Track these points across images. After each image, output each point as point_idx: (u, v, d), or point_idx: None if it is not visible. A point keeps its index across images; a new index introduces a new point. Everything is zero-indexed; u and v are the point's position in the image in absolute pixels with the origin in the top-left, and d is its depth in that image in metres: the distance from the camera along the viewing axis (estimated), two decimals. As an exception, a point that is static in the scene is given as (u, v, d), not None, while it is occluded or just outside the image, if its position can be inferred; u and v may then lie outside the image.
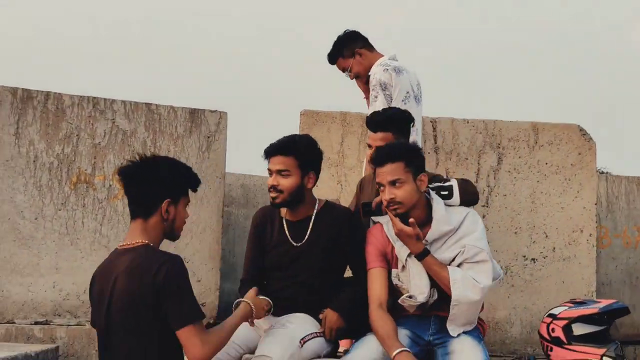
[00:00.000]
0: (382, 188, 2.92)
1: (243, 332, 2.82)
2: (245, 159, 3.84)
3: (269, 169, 3.04)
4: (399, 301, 2.88)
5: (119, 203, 4.53)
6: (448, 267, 2.86)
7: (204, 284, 4.65)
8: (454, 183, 3.06)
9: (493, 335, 4.16)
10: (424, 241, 2.88)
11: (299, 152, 3.00)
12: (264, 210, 3.26)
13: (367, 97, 4.02)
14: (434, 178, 3.19)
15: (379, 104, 3.76)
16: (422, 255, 2.86)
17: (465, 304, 2.81)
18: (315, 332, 2.91)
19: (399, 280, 2.94)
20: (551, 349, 3.18)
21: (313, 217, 3.08)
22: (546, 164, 4.31)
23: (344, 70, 4.06)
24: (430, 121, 4.37)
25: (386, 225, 3.02)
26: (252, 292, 2.84)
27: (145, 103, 4.73)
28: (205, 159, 4.76)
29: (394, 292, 2.96)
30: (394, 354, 2.68)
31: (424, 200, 2.98)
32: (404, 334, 2.86)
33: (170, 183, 2.44)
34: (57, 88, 4.69)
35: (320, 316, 2.97)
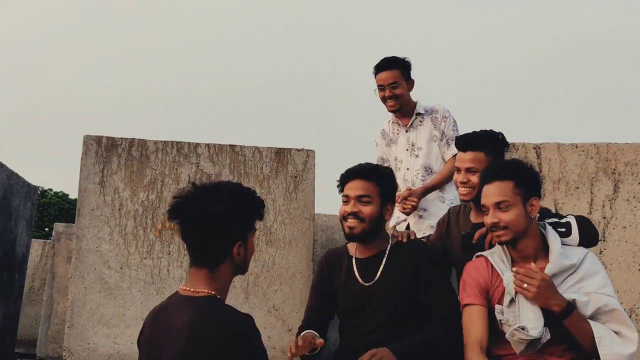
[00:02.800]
0: (486, 211, 2.59)
1: None
2: (338, 199, 3.69)
3: (345, 195, 2.83)
4: (507, 335, 2.51)
5: (204, 249, 4.36)
6: (589, 321, 2.48)
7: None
8: (571, 220, 2.70)
9: (620, 389, 3.63)
10: None
11: (381, 179, 2.76)
12: (330, 253, 3.02)
13: (402, 122, 4.18)
14: (542, 210, 2.83)
15: None
16: (569, 310, 2.45)
17: None
18: None
19: (502, 315, 2.57)
20: None
21: (387, 252, 2.79)
22: (671, 190, 3.80)
23: (390, 83, 4.03)
24: (534, 147, 3.97)
25: (491, 257, 2.67)
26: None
27: (230, 145, 4.58)
28: (293, 200, 4.54)
29: (495, 333, 2.60)
30: None
31: (537, 231, 2.62)
32: None
33: (239, 223, 2.08)
34: (141, 135, 4.62)
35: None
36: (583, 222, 2.74)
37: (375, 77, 4.13)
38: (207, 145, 4.54)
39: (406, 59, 4.12)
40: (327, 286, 2.95)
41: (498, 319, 2.59)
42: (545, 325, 2.48)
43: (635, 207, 3.81)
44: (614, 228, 3.80)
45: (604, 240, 3.79)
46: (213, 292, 2.06)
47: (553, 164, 3.92)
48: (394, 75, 4.04)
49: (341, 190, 2.88)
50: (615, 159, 3.88)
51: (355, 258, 2.88)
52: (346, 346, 2.85)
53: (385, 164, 4.26)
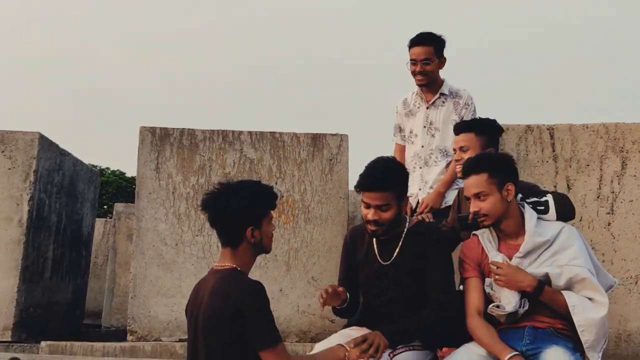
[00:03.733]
0: (469, 200, 2.97)
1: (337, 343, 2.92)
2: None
3: (366, 202, 3.03)
4: (488, 310, 2.89)
5: (249, 227, 4.83)
6: (563, 292, 2.83)
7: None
8: (549, 198, 3.05)
9: (625, 349, 3.98)
10: (517, 254, 2.89)
11: (395, 186, 3.03)
12: (354, 229, 3.36)
13: (425, 97, 4.35)
14: (530, 189, 3.18)
15: None
16: (539, 289, 2.80)
17: (593, 326, 2.76)
18: (409, 346, 2.96)
19: (491, 289, 2.95)
20: None
21: (403, 235, 3.12)
22: (675, 165, 4.09)
23: (423, 59, 4.20)
24: (547, 129, 4.30)
25: (481, 236, 3.05)
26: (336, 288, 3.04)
27: (270, 132, 5.02)
28: (329, 180, 4.96)
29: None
30: (507, 358, 2.70)
31: (517, 211, 2.98)
32: None
33: (248, 212, 2.61)
34: (191, 125, 5.11)
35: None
36: (560, 199, 3.08)
37: (409, 50, 4.28)
38: (250, 132, 4.99)
39: (442, 37, 4.26)
40: (352, 259, 3.31)
41: (487, 292, 2.97)
42: (524, 297, 2.84)
43: (642, 182, 4.11)
44: (621, 202, 4.11)
45: (612, 213, 4.12)
46: (234, 266, 2.58)
47: (565, 144, 4.24)
48: (428, 51, 4.20)
49: (359, 192, 3.09)
50: (623, 137, 4.18)
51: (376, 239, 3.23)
52: (368, 309, 3.24)
53: (401, 133, 4.54)
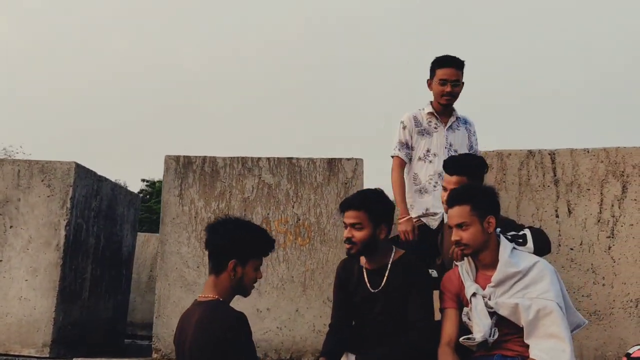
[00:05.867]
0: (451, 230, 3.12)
1: None
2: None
3: (344, 222, 3.34)
4: (460, 341, 3.02)
5: (267, 250, 5.06)
6: (530, 356, 2.92)
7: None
8: (527, 232, 3.17)
9: (624, 371, 4.01)
10: (490, 284, 3.01)
11: (370, 207, 3.27)
12: (345, 261, 3.59)
13: (441, 118, 4.40)
14: (509, 224, 3.30)
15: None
16: None
17: None
18: None
19: (468, 318, 3.08)
20: None
21: (389, 265, 3.33)
22: (676, 189, 4.10)
23: (455, 80, 4.30)
24: (549, 153, 4.37)
25: (460, 267, 3.19)
26: None
27: (287, 158, 5.25)
28: (344, 204, 5.13)
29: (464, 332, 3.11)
30: None
31: (495, 243, 3.10)
32: None
33: (237, 246, 2.80)
34: (211, 152, 5.39)
35: None
36: (537, 233, 3.20)
37: (437, 69, 4.34)
38: (268, 158, 5.24)
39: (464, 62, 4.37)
40: (344, 288, 3.54)
41: (463, 320, 3.11)
42: (495, 327, 2.96)
43: (642, 205, 4.14)
44: (622, 226, 4.15)
45: (612, 237, 4.15)
46: (216, 297, 2.76)
47: (566, 168, 4.31)
48: (459, 74, 4.31)
49: (341, 215, 3.41)
50: (623, 162, 4.21)
51: (365, 268, 3.45)
52: (358, 334, 3.45)
53: (406, 150, 4.45)
